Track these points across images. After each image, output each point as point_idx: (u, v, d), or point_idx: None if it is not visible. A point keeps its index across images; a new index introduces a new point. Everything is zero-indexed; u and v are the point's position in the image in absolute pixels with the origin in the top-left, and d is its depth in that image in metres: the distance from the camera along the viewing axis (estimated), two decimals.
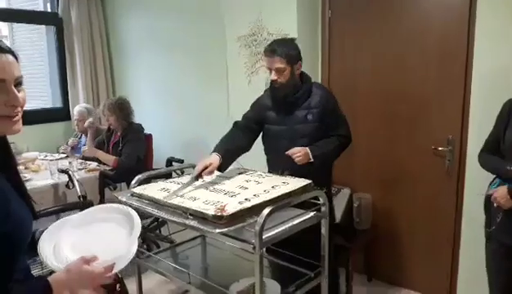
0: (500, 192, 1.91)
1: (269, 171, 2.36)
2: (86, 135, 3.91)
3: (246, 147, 2.36)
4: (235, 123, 2.45)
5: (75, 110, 3.99)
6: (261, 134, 2.46)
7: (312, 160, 2.22)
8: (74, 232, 1.26)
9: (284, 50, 2.21)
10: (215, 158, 2.09)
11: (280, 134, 2.36)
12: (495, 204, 1.95)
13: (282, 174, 2.16)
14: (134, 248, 1.21)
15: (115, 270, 1.13)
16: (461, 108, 2.57)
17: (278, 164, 2.33)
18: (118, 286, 2.39)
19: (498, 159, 2.01)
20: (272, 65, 2.24)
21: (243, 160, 2.35)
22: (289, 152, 2.22)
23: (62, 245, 1.20)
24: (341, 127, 2.38)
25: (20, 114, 1.08)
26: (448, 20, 2.57)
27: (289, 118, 2.32)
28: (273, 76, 2.25)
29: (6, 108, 1.02)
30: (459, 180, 2.65)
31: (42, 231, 1.25)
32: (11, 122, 1.06)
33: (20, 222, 1.09)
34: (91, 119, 3.74)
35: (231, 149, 2.22)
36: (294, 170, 2.15)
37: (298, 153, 2.20)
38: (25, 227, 1.10)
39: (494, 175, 2.05)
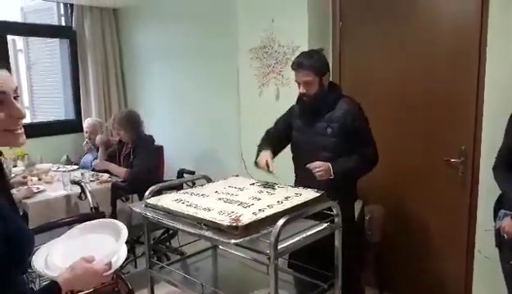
0: (507, 222, 1.90)
1: (295, 179, 2.40)
2: (97, 150, 3.94)
3: (276, 153, 2.42)
4: (267, 132, 2.52)
5: (86, 123, 4.04)
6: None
7: (332, 176, 2.19)
8: (64, 244, 1.32)
9: (310, 62, 2.23)
10: (268, 153, 2.26)
11: (301, 143, 2.39)
12: (505, 236, 1.92)
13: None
14: (124, 249, 1.27)
15: (113, 269, 1.19)
16: (474, 118, 2.55)
17: (300, 174, 2.37)
18: None
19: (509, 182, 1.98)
20: (300, 79, 2.26)
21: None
22: (311, 166, 2.20)
23: (53, 256, 1.25)
24: (367, 147, 2.29)
25: (21, 126, 1.10)
26: (459, 29, 2.58)
27: (311, 128, 2.33)
28: (302, 89, 2.27)
29: (9, 121, 1.04)
30: (472, 191, 2.62)
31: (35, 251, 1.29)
32: (14, 136, 1.08)
33: (24, 231, 1.12)
34: (101, 136, 3.77)
35: (272, 149, 2.35)
36: (316, 185, 2.08)
37: (320, 167, 2.18)
38: (28, 235, 1.13)
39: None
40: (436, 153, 2.74)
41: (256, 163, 2.32)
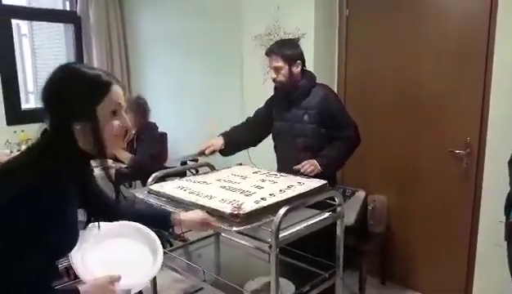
0: None
1: (278, 169, 2.44)
2: None
3: (251, 142, 2.52)
4: (247, 119, 2.59)
5: None
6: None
7: (321, 170, 2.24)
8: (103, 242, 1.35)
9: (281, 49, 2.33)
10: (219, 140, 2.35)
11: (281, 130, 2.46)
12: None
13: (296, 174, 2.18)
14: (150, 278, 1.36)
15: None
16: (480, 109, 2.52)
17: (282, 161, 2.44)
18: None
19: None
20: (271, 64, 2.36)
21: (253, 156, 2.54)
22: (297, 167, 2.25)
23: (90, 255, 1.29)
24: (347, 129, 2.37)
25: (126, 141, 1.30)
26: (467, 17, 2.54)
27: (289, 115, 2.41)
28: (272, 74, 2.37)
29: (120, 129, 1.19)
30: (476, 183, 2.61)
31: None
32: (121, 141, 1.22)
33: (75, 237, 1.22)
34: None
35: (236, 139, 2.44)
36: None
37: (307, 167, 2.23)
38: (76, 241, 1.23)
39: None
40: (441, 144, 2.73)
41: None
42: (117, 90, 1.18)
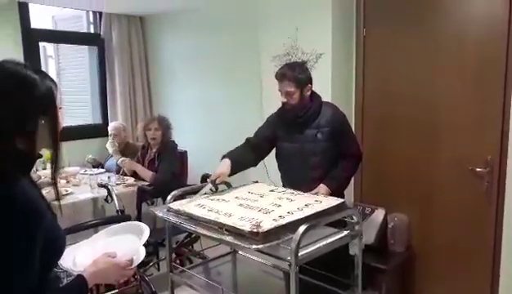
0: None
1: (283, 186, 2.44)
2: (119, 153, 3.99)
3: (253, 163, 2.49)
4: (247, 140, 2.54)
5: (111, 126, 4.12)
6: (274, 150, 2.57)
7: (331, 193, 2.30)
8: (90, 246, 1.40)
9: (293, 74, 2.34)
10: (225, 165, 2.25)
11: (292, 152, 2.47)
12: None
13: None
14: (143, 248, 1.34)
15: (134, 264, 1.26)
16: (500, 127, 2.50)
17: (291, 181, 2.42)
18: None
19: None
20: (283, 89, 2.37)
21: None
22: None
23: (81, 256, 1.32)
24: (351, 145, 2.49)
25: None
26: (486, 35, 2.54)
27: (300, 136, 2.43)
28: (283, 98, 2.38)
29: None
30: (498, 202, 2.57)
31: None
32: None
33: (62, 236, 1.17)
34: (126, 160, 3.75)
35: (240, 161, 2.36)
36: (310, 189, 2.24)
37: (322, 195, 2.26)
38: (64, 240, 1.19)
39: None
40: (461, 162, 2.70)
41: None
42: (56, 93, 1.12)
